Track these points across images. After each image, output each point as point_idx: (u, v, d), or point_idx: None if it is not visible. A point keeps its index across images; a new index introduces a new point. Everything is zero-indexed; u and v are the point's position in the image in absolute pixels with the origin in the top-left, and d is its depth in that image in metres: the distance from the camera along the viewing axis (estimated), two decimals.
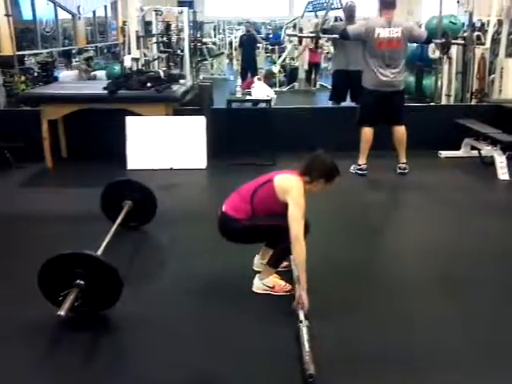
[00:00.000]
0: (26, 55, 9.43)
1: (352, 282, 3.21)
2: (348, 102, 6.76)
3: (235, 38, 16.02)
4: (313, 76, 12.59)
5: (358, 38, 5.16)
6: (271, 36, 18.41)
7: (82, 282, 2.61)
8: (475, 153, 5.68)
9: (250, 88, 6.19)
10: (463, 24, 8.26)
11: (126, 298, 2.71)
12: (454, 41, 6.27)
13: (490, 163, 5.34)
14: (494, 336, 2.64)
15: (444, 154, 5.91)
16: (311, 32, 7.40)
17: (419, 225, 4.22)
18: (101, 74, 10.11)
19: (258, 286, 3.02)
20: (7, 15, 7.64)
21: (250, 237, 3.00)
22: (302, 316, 2.61)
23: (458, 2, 7.88)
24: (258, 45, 13.47)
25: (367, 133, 5.25)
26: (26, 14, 11.25)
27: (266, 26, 22.43)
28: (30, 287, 2.68)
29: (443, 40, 6.04)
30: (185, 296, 3.02)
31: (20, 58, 8.23)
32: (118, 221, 3.53)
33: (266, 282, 3.01)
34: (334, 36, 6.08)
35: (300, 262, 2.76)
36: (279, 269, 3.20)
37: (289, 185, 2.85)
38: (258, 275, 3.05)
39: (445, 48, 6.22)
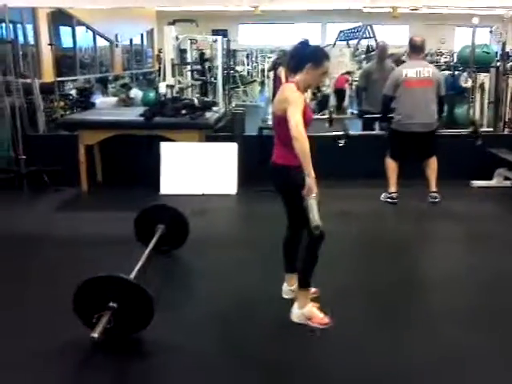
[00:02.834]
0: (64, 81, 9.76)
1: (377, 309, 3.21)
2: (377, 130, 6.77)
3: (268, 64, 16.25)
4: (344, 103, 12.57)
5: (395, 88, 5.17)
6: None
7: (115, 305, 2.68)
8: (508, 183, 5.62)
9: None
10: (496, 53, 8.23)
11: (156, 321, 2.76)
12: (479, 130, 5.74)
13: None
14: None
15: (476, 183, 5.86)
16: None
17: (449, 255, 4.18)
18: (136, 92, 10.30)
19: (296, 314, 2.99)
20: (50, 44, 7.95)
21: (290, 195, 2.92)
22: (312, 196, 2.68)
23: (490, 31, 7.86)
24: None
25: (392, 164, 5.28)
26: (67, 42, 11.67)
27: None
28: (64, 309, 2.75)
29: (472, 129, 5.76)
30: (214, 321, 3.06)
31: (59, 84, 8.52)
32: (151, 245, 3.61)
33: (304, 312, 2.96)
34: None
35: (303, 152, 2.68)
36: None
37: (281, 95, 2.87)
38: (295, 304, 3.00)
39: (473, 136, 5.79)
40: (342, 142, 5.51)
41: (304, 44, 2.93)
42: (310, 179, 2.69)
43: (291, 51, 2.95)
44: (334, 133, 5.60)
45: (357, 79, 11.75)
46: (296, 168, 2.75)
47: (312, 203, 2.64)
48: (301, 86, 2.87)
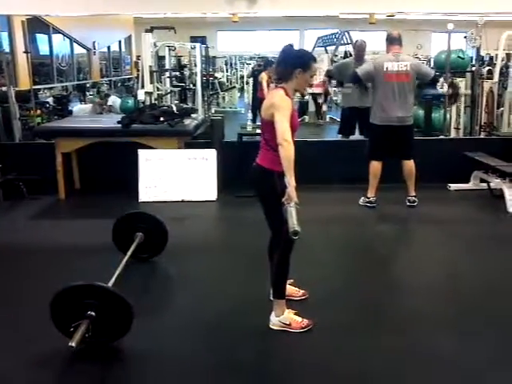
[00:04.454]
0: (41, 89, 9.67)
1: (359, 314, 3.21)
2: (356, 136, 6.81)
3: (247, 70, 16.32)
4: (323, 108, 12.60)
5: (369, 76, 5.24)
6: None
7: (93, 314, 2.64)
8: (484, 185, 5.70)
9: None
10: (471, 58, 8.37)
11: (135, 330, 2.73)
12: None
13: (499, 196, 5.35)
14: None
15: (453, 186, 5.93)
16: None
17: (427, 258, 4.20)
18: (114, 99, 10.29)
19: (274, 322, 2.97)
20: (26, 52, 7.85)
21: (268, 198, 2.91)
22: (291, 204, 2.65)
23: (465, 37, 7.98)
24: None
25: (375, 167, 5.28)
26: (43, 49, 11.55)
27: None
28: (42, 318, 2.71)
29: (450, 91, 5.95)
30: (193, 329, 3.03)
31: (35, 91, 8.43)
32: (129, 253, 3.58)
33: (282, 319, 2.96)
34: (340, 80, 6.55)
35: (286, 160, 2.69)
36: (297, 298, 3.24)
37: (269, 101, 2.85)
38: (273, 312, 2.99)
39: (452, 98, 6.09)
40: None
41: (289, 49, 2.91)
42: (291, 187, 2.67)
43: (278, 58, 2.93)
44: None
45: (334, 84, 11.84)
46: (279, 174, 2.74)
47: (291, 210, 2.63)
48: (290, 91, 2.87)
